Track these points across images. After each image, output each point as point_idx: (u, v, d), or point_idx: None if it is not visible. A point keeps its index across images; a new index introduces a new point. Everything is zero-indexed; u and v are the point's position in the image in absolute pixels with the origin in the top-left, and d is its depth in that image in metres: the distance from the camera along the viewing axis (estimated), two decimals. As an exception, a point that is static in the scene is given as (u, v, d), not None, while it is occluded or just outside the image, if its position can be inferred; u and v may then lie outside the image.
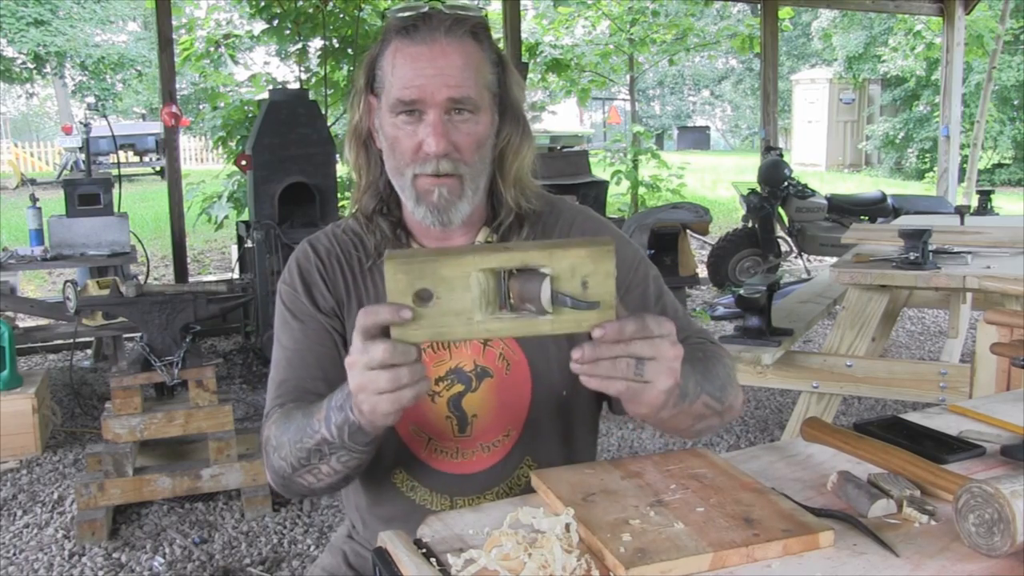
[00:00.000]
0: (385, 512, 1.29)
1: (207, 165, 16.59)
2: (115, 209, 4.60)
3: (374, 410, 0.99)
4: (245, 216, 5.54)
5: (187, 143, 18.22)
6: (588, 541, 0.93)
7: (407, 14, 1.17)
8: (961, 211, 3.86)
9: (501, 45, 6.75)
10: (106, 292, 3.27)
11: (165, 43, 5.18)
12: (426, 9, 1.16)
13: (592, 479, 1.07)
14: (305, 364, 1.24)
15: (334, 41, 6.13)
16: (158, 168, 15.58)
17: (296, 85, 6.10)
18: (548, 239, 1.29)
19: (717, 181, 14.00)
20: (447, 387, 1.25)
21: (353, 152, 1.27)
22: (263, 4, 5.99)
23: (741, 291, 2.91)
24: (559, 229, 1.32)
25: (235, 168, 5.69)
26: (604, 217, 1.39)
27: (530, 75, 7.93)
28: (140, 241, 4.75)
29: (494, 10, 8.31)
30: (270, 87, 6.00)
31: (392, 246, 1.26)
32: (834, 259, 5.08)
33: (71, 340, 4.34)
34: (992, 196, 4.69)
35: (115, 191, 4.61)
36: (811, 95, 18.11)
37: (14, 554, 2.83)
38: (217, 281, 4.94)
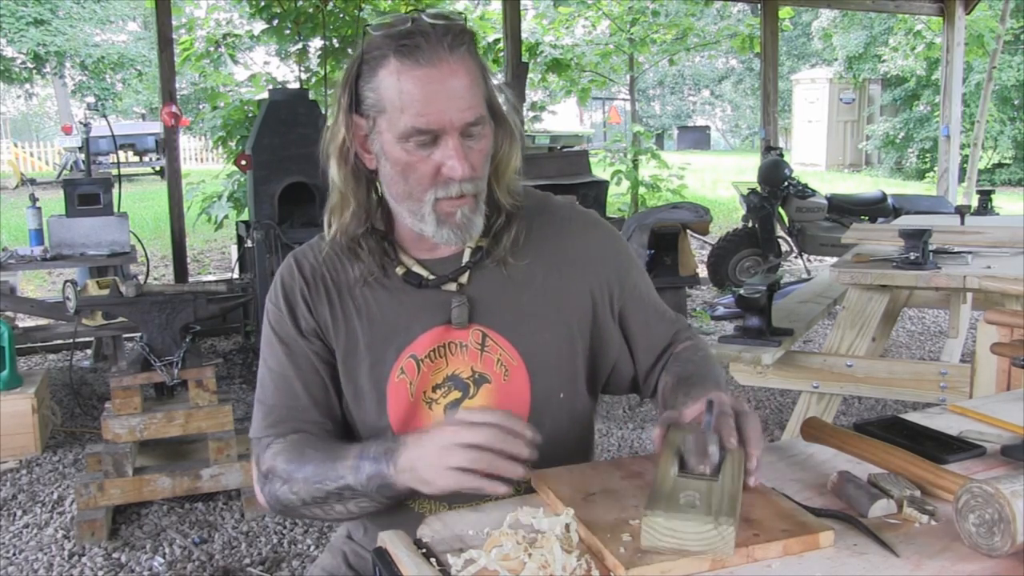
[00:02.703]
0: (384, 520, 1.27)
1: (207, 165, 16.60)
2: (115, 209, 4.59)
3: (429, 480, 1.05)
4: (245, 216, 5.54)
5: (187, 143, 18.22)
6: (588, 541, 0.93)
7: (399, 29, 1.13)
8: (961, 211, 3.85)
9: (501, 45, 6.73)
10: (106, 292, 3.26)
11: (165, 43, 5.18)
12: (412, 24, 1.13)
13: (593, 479, 1.06)
14: (293, 391, 1.25)
15: (334, 41, 6.13)
16: (158, 168, 15.59)
17: (296, 85, 6.10)
18: (542, 238, 1.30)
19: (717, 181, 14.00)
20: (444, 394, 1.25)
21: (340, 174, 1.22)
22: (263, 4, 5.99)
23: (741, 291, 2.91)
24: (553, 228, 1.31)
25: (235, 168, 5.69)
26: (601, 216, 1.40)
27: (530, 75, 7.92)
28: (140, 241, 4.74)
29: (494, 10, 8.32)
30: (270, 87, 6.00)
31: (381, 261, 1.25)
32: (834, 259, 5.07)
33: (71, 340, 4.34)
34: (992, 196, 4.68)
35: (115, 191, 4.61)
36: (811, 95, 18.11)
37: (14, 554, 2.83)
38: (217, 281, 4.94)
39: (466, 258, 1.26)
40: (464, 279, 1.26)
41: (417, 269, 1.25)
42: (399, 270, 1.25)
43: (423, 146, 1.14)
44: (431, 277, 1.25)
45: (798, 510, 0.97)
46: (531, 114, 10.06)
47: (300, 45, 6.19)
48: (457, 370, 1.25)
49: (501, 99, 1.23)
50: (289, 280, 1.29)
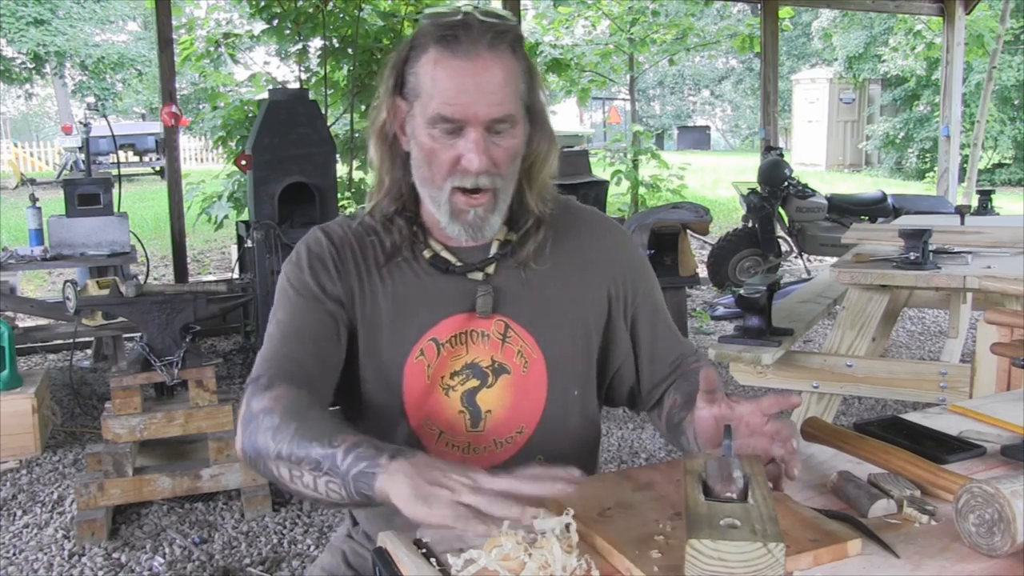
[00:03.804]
0: (384, 520, 1.27)
1: (207, 165, 16.60)
2: (115, 209, 4.59)
3: (426, 500, 0.89)
4: (245, 216, 5.54)
5: (187, 143, 18.22)
6: (614, 560, 0.91)
7: (446, 21, 1.15)
8: (961, 211, 3.85)
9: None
10: (106, 292, 3.26)
11: (165, 43, 5.18)
12: (461, 17, 1.15)
13: (603, 492, 1.05)
14: (300, 339, 1.21)
15: (334, 41, 6.12)
16: (158, 168, 15.59)
17: (296, 85, 6.10)
18: (565, 239, 1.32)
19: (717, 181, 14.00)
20: (462, 381, 1.26)
21: (378, 153, 1.26)
22: (263, 4, 5.99)
23: (741, 291, 2.91)
24: (575, 230, 1.34)
25: (235, 168, 5.69)
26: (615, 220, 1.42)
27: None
28: (140, 241, 4.74)
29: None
30: (270, 87, 5.99)
31: (410, 244, 1.27)
32: (834, 259, 5.07)
33: (71, 340, 4.34)
34: (992, 196, 4.69)
35: (115, 191, 4.61)
36: (811, 95, 18.11)
37: (14, 554, 2.82)
38: (217, 281, 4.93)
39: (493, 250, 1.27)
40: (491, 269, 1.27)
41: (445, 254, 1.26)
42: (427, 253, 1.27)
43: (448, 134, 1.16)
44: (458, 264, 1.26)
45: (820, 518, 0.96)
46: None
47: (300, 45, 6.18)
48: (477, 358, 1.26)
49: (543, 101, 1.24)
50: (316, 247, 1.28)
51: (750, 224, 6.68)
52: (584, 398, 1.33)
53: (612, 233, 1.37)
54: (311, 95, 5.24)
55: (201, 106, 12.27)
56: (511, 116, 1.17)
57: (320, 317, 1.23)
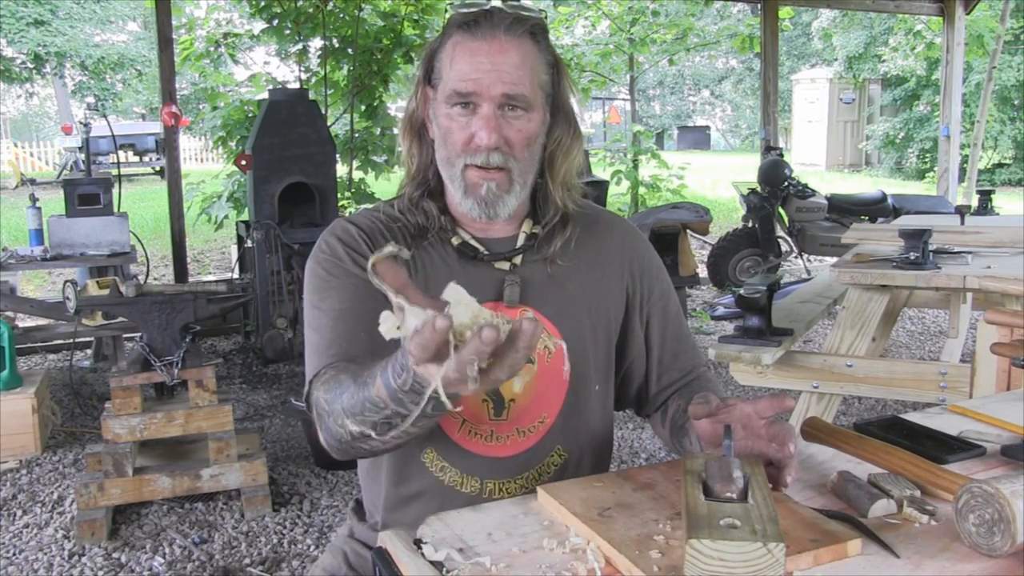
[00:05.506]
0: (409, 490, 1.28)
1: (207, 165, 16.60)
2: (115, 209, 4.60)
3: (460, 392, 0.86)
4: (245, 216, 5.54)
5: (187, 143, 18.22)
6: (614, 560, 0.91)
7: (469, 10, 1.20)
8: (961, 211, 3.85)
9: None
10: (106, 292, 3.26)
11: (165, 43, 5.18)
12: (488, 6, 1.19)
13: (603, 492, 1.05)
14: (355, 316, 1.20)
15: (334, 41, 6.12)
16: (158, 168, 15.60)
17: (296, 85, 6.10)
18: (587, 236, 1.34)
19: (717, 181, 13.99)
20: None
21: (407, 140, 1.29)
22: (263, 4, 5.99)
23: (741, 291, 2.91)
24: (596, 228, 1.36)
25: (235, 168, 5.69)
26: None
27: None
28: (140, 241, 4.74)
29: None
30: (270, 87, 6.00)
31: (437, 229, 1.28)
32: (834, 259, 5.07)
33: (71, 340, 4.34)
34: (992, 196, 4.68)
35: (115, 191, 4.61)
36: (811, 95, 18.12)
37: (14, 554, 2.82)
38: (217, 281, 4.93)
39: (520, 241, 1.29)
40: (517, 260, 1.29)
41: (473, 243, 1.28)
42: (455, 240, 1.28)
43: (463, 113, 1.19)
44: (486, 253, 1.28)
45: (820, 518, 0.96)
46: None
47: (300, 45, 6.18)
48: None
49: (569, 97, 1.27)
50: (346, 236, 1.27)
51: (750, 224, 6.68)
52: (604, 394, 1.35)
53: (631, 235, 1.40)
54: (311, 95, 5.25)
55: (201, 106, 12.25)
56: (525, 97, 1.18)
57: (369, 292, 1.19)
